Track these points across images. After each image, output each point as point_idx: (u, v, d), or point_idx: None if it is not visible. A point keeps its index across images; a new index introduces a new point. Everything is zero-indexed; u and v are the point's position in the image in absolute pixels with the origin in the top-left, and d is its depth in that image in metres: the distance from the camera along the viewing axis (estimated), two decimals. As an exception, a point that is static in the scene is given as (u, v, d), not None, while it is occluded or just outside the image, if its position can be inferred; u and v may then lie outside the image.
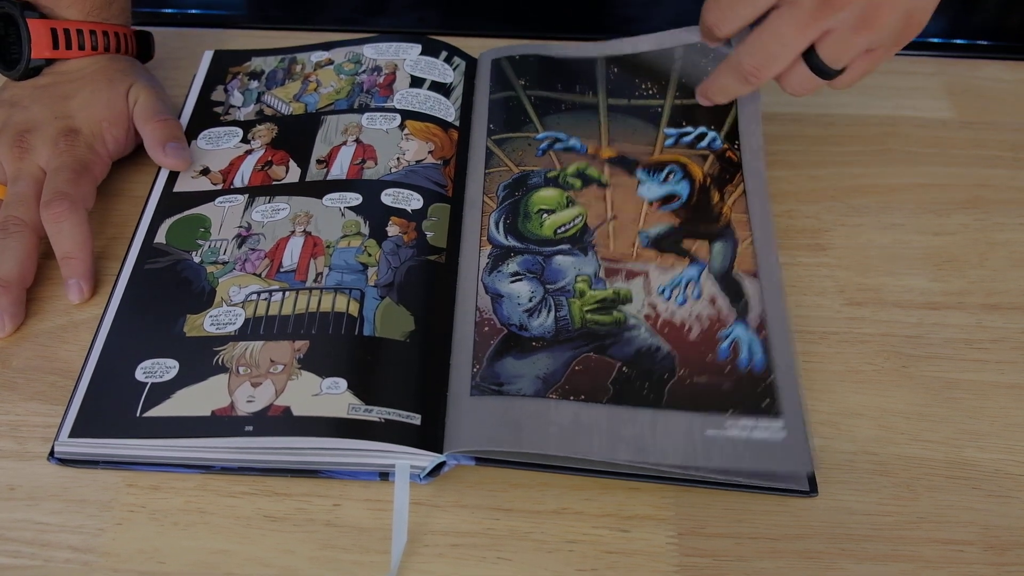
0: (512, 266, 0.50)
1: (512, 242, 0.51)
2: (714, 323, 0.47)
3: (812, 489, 0.44)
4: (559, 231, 0.52)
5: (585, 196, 0.53)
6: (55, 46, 0.56)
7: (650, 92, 0.59)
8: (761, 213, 0.52)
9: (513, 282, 0.49)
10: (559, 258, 0.50)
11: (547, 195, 0.53)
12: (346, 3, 0.76)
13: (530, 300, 0.48)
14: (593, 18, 0.75)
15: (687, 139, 0.56)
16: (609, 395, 0.44)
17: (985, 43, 0.72)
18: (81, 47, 0.56)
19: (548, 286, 0.49)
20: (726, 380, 0.45)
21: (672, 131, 0.57)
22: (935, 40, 0.71)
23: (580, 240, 0.51)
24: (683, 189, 0.53)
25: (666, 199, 0.53)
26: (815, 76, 0.51)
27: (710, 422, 0.43)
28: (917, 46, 0.70)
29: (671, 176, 0.54)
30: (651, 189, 0.54)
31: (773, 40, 0.49)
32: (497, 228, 0.52)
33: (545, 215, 0.52)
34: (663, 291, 0.49)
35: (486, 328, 0.47)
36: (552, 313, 0.48)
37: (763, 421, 0.43)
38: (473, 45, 0.64)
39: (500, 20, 0.75)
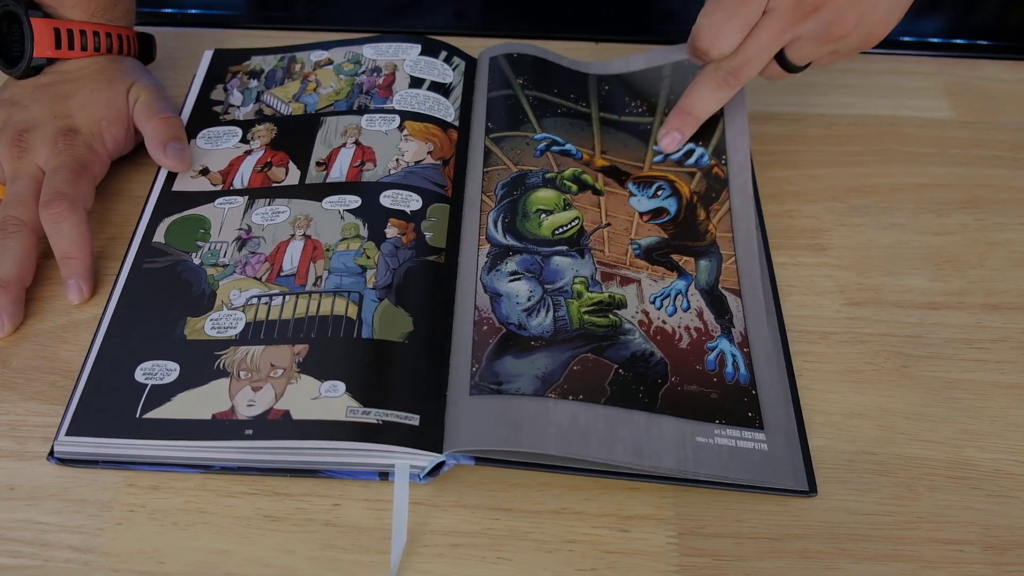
0: (511, 265, 0.50)
1: (511, 241, 0.51)
2: (702, 335, 0.48)
3: (812, 489, 0.44)
4: (557, 232, 0.52)
5: (580, 201, 0.54)
6: (57, 46, 0.56)
7: (640, 110, 0.60)
8: (745, 232, 0.53)
9: (512, 281, 0.49)
10: (557, 259, 0.51)
11: (545, 196, 0.54)
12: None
13: (529, 299, 0.48)
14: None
15: (675, 156, 0.57)
16: (607, 396, 0.45)
17: (985, 43, 0.72)
18: (84, 48, 0.56)
19: (547, 286, 0.49)
20: (714, 390, 0.46)
21: (661, 148, 0.57)
22: (935, 40, 0.71)
23: (577, 242, 0.52)
24: (671, 205, 0.54)
25: (655, 213, 0.54)
26: (784, 71, 0.56)
27: (700, 430, 0.44)
28: (917, 46, 0.70)
29: (660, 192, 0.55)
30: (641, 202, 0.54)
31: (753, 45, 0.54)
32: (496, 227, 0.52)
33: (544, 215, 0.52)
34: (654, 300, 0.49)
35: (485, 327, 0.47)
36: (551, 313, 0.48)
37: (747, 432, 0.44)
38: (474, 45, 0.64)
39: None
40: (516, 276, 0.49)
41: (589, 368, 0.46)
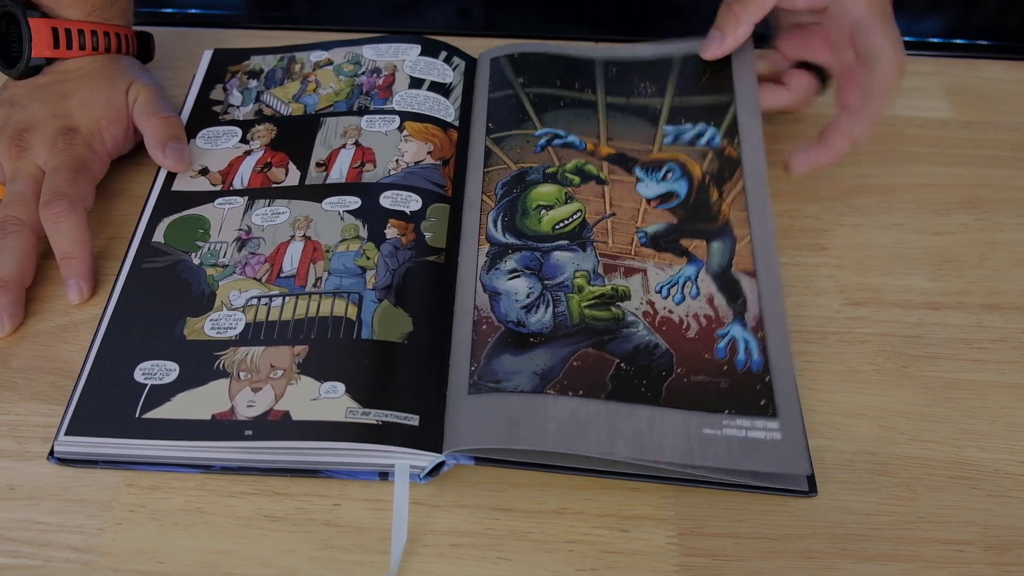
0: (510, 263, 0.50)
1: (510, 239, 0.51)
2: (712, 322, 0.47)
3: (812, 489, 0.44)
4: (558, 227, 0.52)
5: (584, 192, 0.53)
6: (56, 45, 0.55)
7: (649, 91, 0.59)
8: (760, 210, 0.52)
9: (511, 279, 0.49)
10: (557, 254, 0.50)
11: (546, 191, 0.53)
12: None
13: (528, 296, 0.48)
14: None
15: (686, 136, 0.56)
16: (608, 391, 0.44)
17: (985, 43, 0.72)
18: (82, 47, 0.56)
19: (546, 281, 0.49)
20: (723, 379, 0.45)
21: (671, 128, 0.56)
22: (935, 40, 0.71)
23: (579, 236, 0.51)
24: (681, 187, 0.53)
25: (664, 197, 0.53)
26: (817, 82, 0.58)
27: (707, 421, 0.43)
28: (917, 46, 0.70)
29: (669, 174, 0.54)
30: (649, 187, 0.53)
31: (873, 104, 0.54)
32: (495, 226, 0.52)
33: (544, 211, 0.52)
34: (661, 289, 0.49)
35: (484, 326, 0.47)
36: (550, 309, 0.48)
37: (759, 422, 0.43)
38: (474, 45, 0.64)
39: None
40: (515, 274, 0.49)
41: (590, 363, 0.46)
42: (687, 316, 0.48)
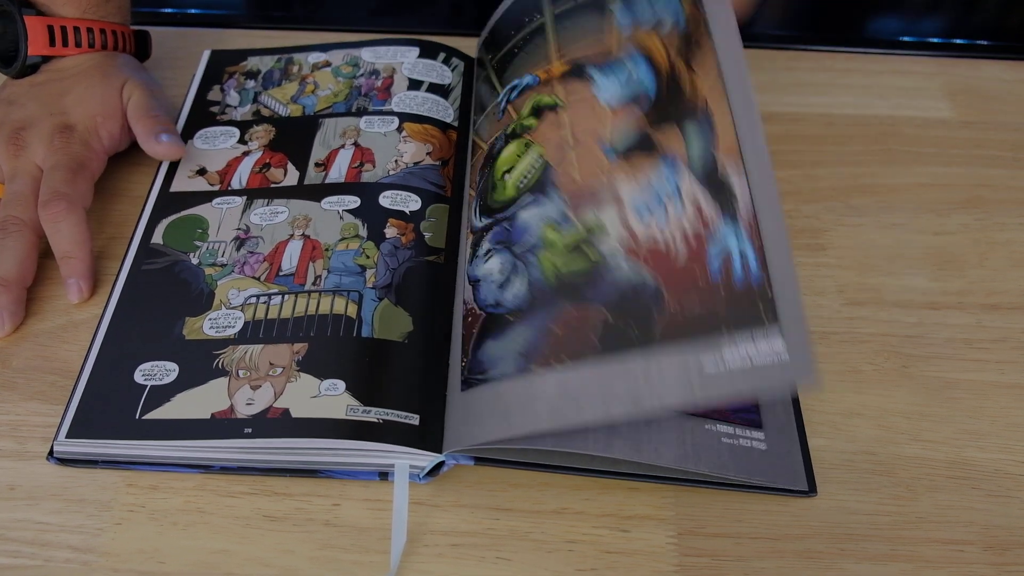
0: (484, 245, 0.48)
1: (484, 221, 0.49)
2: (701, 239, 0.40)
3: (812, 489, 0.44)
4: (521, 185, 0.48)
5: (542, 131, 0.49)
6: (52, 43, 0.56)
7: None
8: (736, 75, 0.43)
9: (487, 261, 0.47)
10: (522, 214, 0.47)
11: (507, 154, 0.50)
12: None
13: (500, 272, 0.46)
14: None
15: (644, 18, 0.48)
16: (596, 349, 0.40)
17: (985, 43, 0.72)
18: (78, 44, 0.56)
19: (516, 249, 0.46)
20: (720, 304, 0.39)
21: (624, 9, 0.49)
22: (935, 40, 0.71)
23: (542, 185, 0.47)
24: (648, 82, 0.46)
25: (632, 101, 0.46)
26: None
27: (706, 349, 0.38)
28: (917, 46, 0.70)
29: (633, 70, 0.47)
30: (610, 89, 0.47)
31: None
32: (475, 214, 0.51)
33: (507, 175, 0.49)
34: (641, 212, 0.42)
35: (469, 319, 0.46)
36: (524, 278, 0.45)
37: (763, 344, 0.37)
38: (475, 46, 0.64)
39: None
40: (489, 254, 0.47)
41: (571, 324, 0.41)
42: (674, 237, 0.41)
